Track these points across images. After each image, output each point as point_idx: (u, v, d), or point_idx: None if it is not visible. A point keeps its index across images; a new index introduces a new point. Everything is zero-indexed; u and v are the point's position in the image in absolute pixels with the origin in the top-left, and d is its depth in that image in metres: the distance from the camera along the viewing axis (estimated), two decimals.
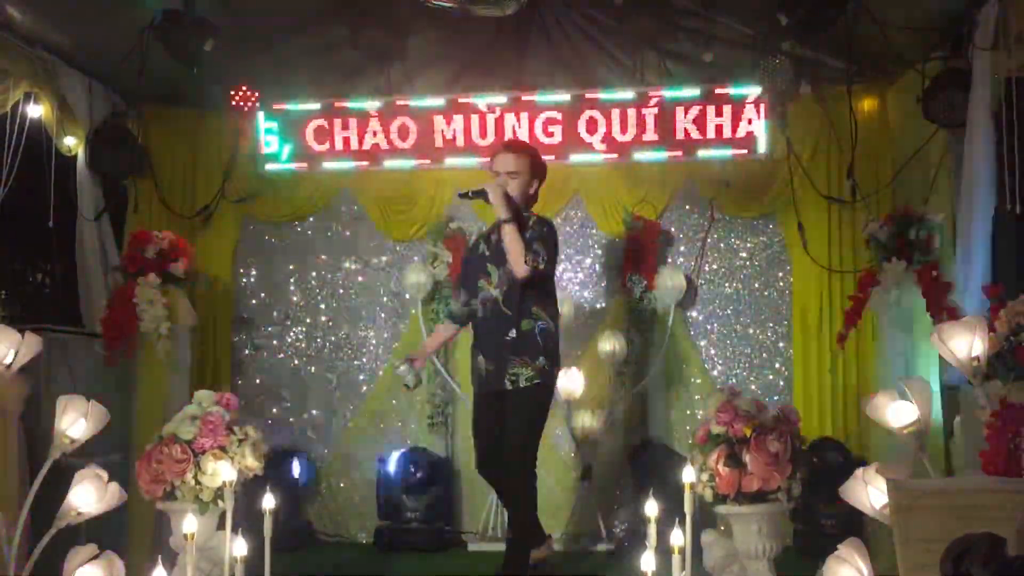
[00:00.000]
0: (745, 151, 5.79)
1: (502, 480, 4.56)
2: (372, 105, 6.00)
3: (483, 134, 5.91)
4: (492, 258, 4.55)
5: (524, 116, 5.90)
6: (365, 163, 6.09)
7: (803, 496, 3.85)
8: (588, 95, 5.90)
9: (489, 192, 4.45)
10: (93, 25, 5.23)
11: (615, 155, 5.88)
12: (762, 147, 5.78)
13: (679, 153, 5.85)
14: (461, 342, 5.59)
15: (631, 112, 5.82)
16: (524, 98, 5.94)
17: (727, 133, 5.78)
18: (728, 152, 5.83)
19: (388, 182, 6.27)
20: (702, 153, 5.85)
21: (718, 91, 5.79)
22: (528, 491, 4.44)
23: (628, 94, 5.87)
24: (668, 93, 5.83)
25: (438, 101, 5.98)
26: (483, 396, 4.57)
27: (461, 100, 5.96)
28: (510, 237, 4.38)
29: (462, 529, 5.89)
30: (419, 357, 4.76)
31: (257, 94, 5.89)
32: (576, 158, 5.93)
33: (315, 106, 6.07)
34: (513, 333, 4.41)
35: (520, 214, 4.49)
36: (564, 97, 5.93)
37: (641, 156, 5.89)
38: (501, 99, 5.94)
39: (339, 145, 6.06)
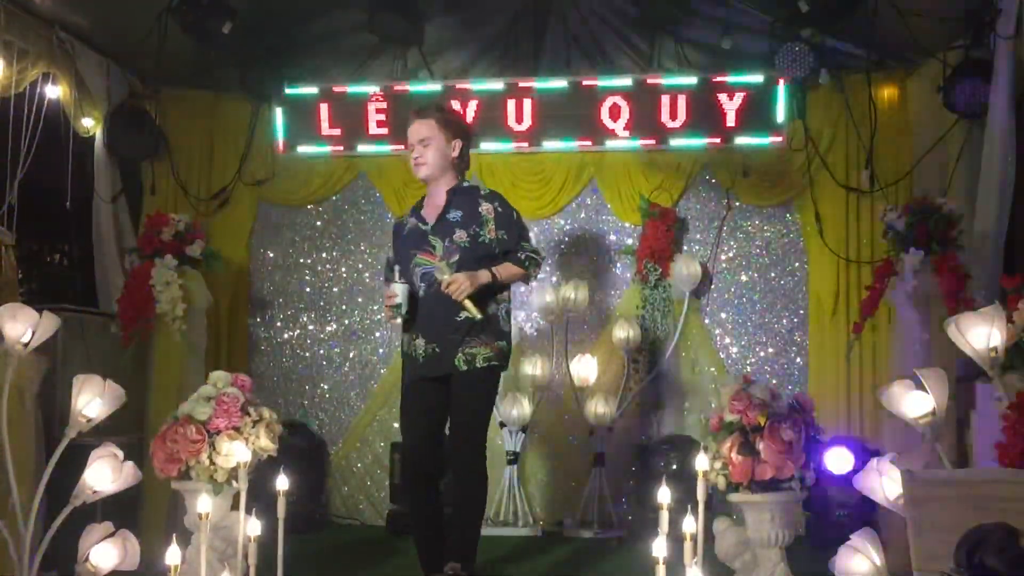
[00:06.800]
0: (765, 139, 5.81)
1: (435, 479, 4.07)
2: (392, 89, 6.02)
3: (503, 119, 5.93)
4: (435, 229, 3.99)
5: (543, 101, 5.90)
6: (378, 147, 6.13)
7: None
8: (616, 82, 5.91)
9: (439, 275, 3.89)
10: (112, 6, 5.25)
11: (643, 142, 5.93)
12: (780, 135, 5.77)
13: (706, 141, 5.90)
14: None
15: (657, 98, 5.83)
16: (545, 84, 5.95)
17: (748, 120, 5.78)
18: (748, 140, 5.83)
19: (404, 167, 6.25)
20: (719, 140, 5.85)
21: (716, 79, 5.80)
22: (484, 491, 4.04)
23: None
24: (665, 81, 5.85)
25: (464, 85, 6.00)
26: (417, 383, 4.06)
27: (486, 85, 6.00)
28: (505, 275, 3.96)
29: None
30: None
31: (274, 77, 5.90)
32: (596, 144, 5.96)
33: (332, 89, 6.07)
34: (468, 314, 3.90)
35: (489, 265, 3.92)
36: (591, 82, 5.92)
37: (663, 144, 5.93)
38: (528, 83, 5.95)
39: (354, 129, 6.08)
